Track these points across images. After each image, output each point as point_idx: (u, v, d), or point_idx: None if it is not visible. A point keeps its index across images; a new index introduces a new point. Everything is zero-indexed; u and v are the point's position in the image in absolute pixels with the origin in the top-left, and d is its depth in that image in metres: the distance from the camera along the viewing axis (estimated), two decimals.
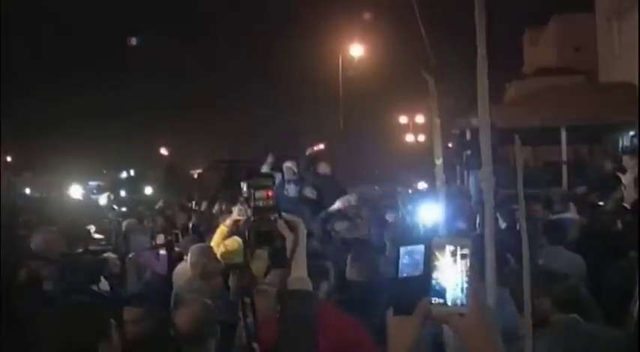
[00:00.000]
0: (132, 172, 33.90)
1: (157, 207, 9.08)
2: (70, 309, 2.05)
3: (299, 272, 1.37)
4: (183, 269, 4.12)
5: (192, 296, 3.03)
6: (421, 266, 1.10)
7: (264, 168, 7.33)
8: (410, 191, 18.53)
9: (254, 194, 1.49)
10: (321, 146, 9.17)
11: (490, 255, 2.15)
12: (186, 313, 2.60)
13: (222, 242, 4.30)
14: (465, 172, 8.63)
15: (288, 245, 1.41)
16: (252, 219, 1.51)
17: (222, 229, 4.47)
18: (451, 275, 1.08)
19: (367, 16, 19.70)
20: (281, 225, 1.45)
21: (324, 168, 7.89)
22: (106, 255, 4.69)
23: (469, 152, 7.41)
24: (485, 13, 2.42)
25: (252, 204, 1.50)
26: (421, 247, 1.10)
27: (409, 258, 1.09)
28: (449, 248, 1.09)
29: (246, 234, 1.48)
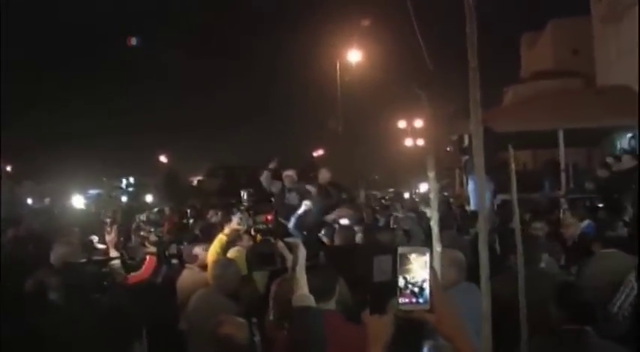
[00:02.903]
0: (132, 180, 33.98)
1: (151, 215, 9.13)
2: (105, 312, 2.10)
3: (301, 290, 1.46)
4: (191, 279, 4.12)
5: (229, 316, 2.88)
6: (389, 273, 1.29)
7: (264, 178, 7.38)
8: (413, 194, 18.57)
9: (254, 218, 1.61)
10: (321, 151, 9.25)
11: (484, 257, 2.21)
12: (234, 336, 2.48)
13: (220, 251, 4.30)
14: (464, 177, 8.70)
15: (289, 265, 1.51)
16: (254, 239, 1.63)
17: (221, 238, 4.41)
18: (415, 279, 1.28)
19: (365, 22, 19.83)
20: (281, 246, 1.55)
21: (324, 174, 7.97)
22: (110, 264, 4.74)
23: (467, 157, 7.47)
24: (478, 22, 2.49)
25: (252, 227, 1.62)
26: (389, 256, 1.30)
27: (380, 265, 1.30)
28: (412, 256, 1.28)
29: (247, 255, 1.58)
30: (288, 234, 6.20)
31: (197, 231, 7.39)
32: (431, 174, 3.00)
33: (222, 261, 3.83)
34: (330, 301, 2.45)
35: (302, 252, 1.57)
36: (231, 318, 2.63)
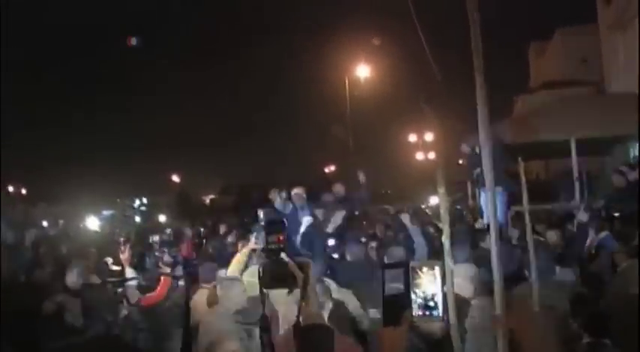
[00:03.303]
0: (144, 200, 34.28)
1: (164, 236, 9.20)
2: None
3: (312, 308, 1.49)
4: (207, 298, 4.12)
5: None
6: (402, 285, 1.35)
7: (275, 197, 7.41)
8: (426, 207, 18.49)
9: (267, 238, 1.65)
10: (332, 167, 9.36)
11: (497, 270, 2.20)
12: None
13: (237, 270, 4.30)
14: (477, 190, 8.65)
15: (300, 283, 1.54)
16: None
17: (239, 258, 4.48)
18: (427, 291, 1.32)
19: (375, 41, 20.04)
20: (292, 266, 1.58)
21: (339, 188, 8.00)
22: (126, 285, 4.77)
23: (479, 169, 7.44)
24: (483, 33, 2.52)
25: (265, 246, 1.66)
26: (400, 270, 1.36)
27: (393, 278, 1.37)
28: (424, 269, 1.32)
29: (260, 273, 1.62)
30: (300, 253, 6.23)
31: (210, 250, 7.44)
32: (441, 190, 3.00)
33: (226, 281, 3.82)
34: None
35: (313, 270, 1.61)
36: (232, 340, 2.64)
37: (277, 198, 7.45)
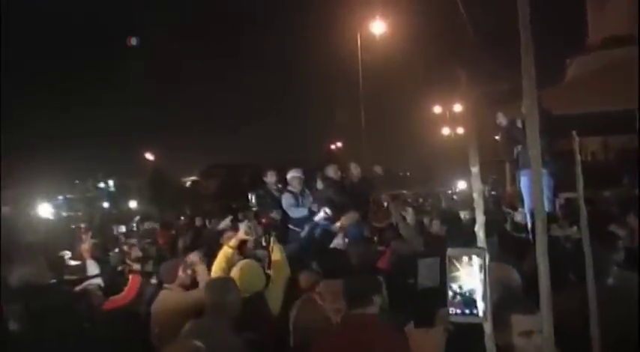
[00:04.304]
0: (110, 183, 34.44)
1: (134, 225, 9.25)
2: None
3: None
4: (172, 302, 4.10)
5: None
6: (438, 278, 1.31)
7: (269, 178, 7.37)
8: (450, 193, 18.47)
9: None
10: (339, 144, 9.38)
11: (544, 271, 2.15)
12: None
13: (227, 268, 4.27)
14: (516, 172, 8.58)
15: None
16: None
17: (226, 251, 4.46)
18: (468, 285, 1.29)
19: None
20: None
21: (355, 170, 7.94)
22: (85, 284, 4.78)
23: (520, 147, 7.35)
24: None
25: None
26: (437, 259, 1.32)
27: (427, 270, 1.34)
28: (464, 258, 1.29)
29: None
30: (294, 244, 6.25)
31: (186, 242, 7.45)
32: (474, 169, 2.95)
33: (221, 283, 3.73)
34: (368, 307, 2.97)
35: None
36: None
37: (273, 181, 7.43)
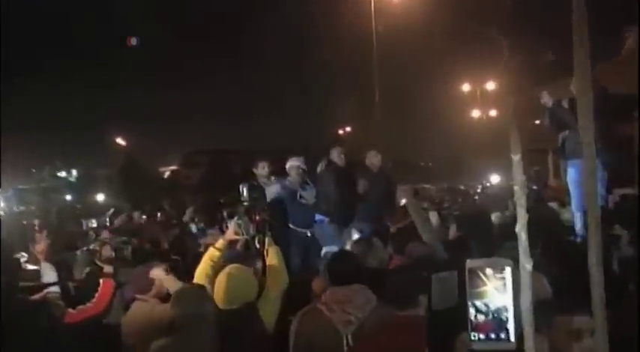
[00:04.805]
0: (74, 172, 34.44)
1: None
2: None
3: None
4: (145, 316, 4.08)
5: None
6: (455, 296, 1.30)
7: (260, 170, 7.32)
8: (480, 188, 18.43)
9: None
10: (348, 129, 9.32)
11: (597, 280, 2.14)
12: None
13: (212, 273, 4.23)
14: (562, 163, 8.55)
15: None
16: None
17: (212, 253, 4.43)
18: (495, 303, 1.25)
19: None
20: None
21: (373, 158, 7.93)
22: (44, 292, 4.77)
23: (567, 133, 7.32)
24: None
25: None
26: (454, 274, 1.30)
27: (441, 286, 1.31)
28: (488, 271, 1.27)
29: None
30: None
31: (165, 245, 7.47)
32: (516, 157, 2.93)
33: (190, 293, 3.74)
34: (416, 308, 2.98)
35: None
36: None
37: (264, 174, 7.36)
